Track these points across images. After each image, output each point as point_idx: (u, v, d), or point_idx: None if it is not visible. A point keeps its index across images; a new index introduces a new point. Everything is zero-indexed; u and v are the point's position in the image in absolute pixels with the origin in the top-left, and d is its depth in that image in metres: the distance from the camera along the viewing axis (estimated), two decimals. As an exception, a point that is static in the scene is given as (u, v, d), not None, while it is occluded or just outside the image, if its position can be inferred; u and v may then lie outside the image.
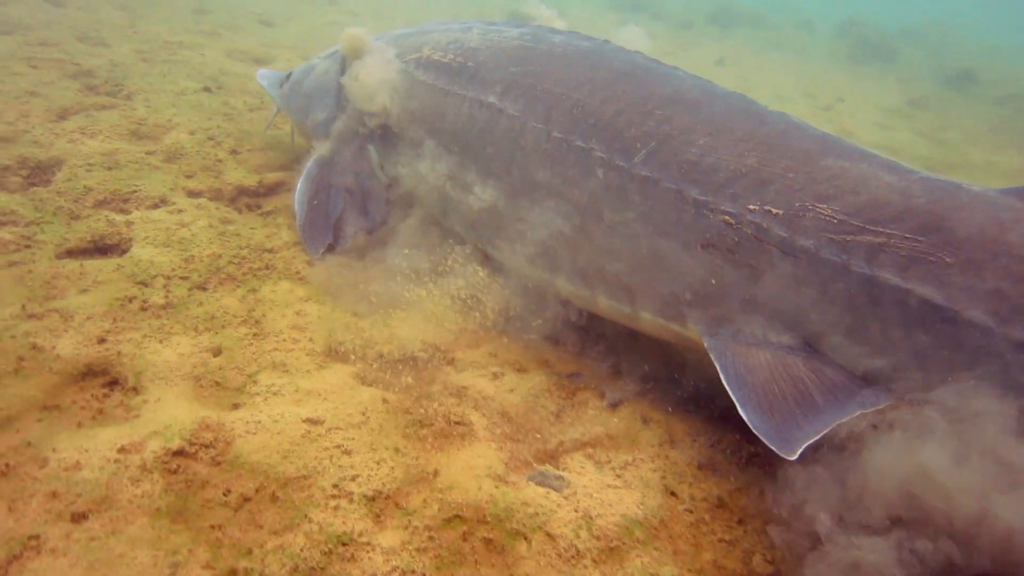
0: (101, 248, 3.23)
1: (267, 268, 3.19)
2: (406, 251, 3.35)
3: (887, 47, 17.63)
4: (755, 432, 2.12)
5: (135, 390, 2.38)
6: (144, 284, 2.90)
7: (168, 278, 2.98)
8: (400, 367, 2.76)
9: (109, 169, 3.91)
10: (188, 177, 4.08)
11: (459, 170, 3.14)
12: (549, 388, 2.78)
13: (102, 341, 2.53)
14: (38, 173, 3.89)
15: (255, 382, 2.51)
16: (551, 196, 2.79)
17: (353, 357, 2.76)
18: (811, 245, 2.27)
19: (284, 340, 2.74)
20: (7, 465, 1.97)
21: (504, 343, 3.00)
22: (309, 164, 3.63)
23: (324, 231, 3.31)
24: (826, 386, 2.19)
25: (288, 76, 4.34)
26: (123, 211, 3.59)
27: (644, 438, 2.58)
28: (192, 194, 3.92)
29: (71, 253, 3.13)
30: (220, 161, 4.32)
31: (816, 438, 2.07)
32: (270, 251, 3.33)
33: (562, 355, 3.01)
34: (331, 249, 3.33)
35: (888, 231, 2.18)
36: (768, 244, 2.33)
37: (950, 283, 2.07)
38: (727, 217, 2.40)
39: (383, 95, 3.35)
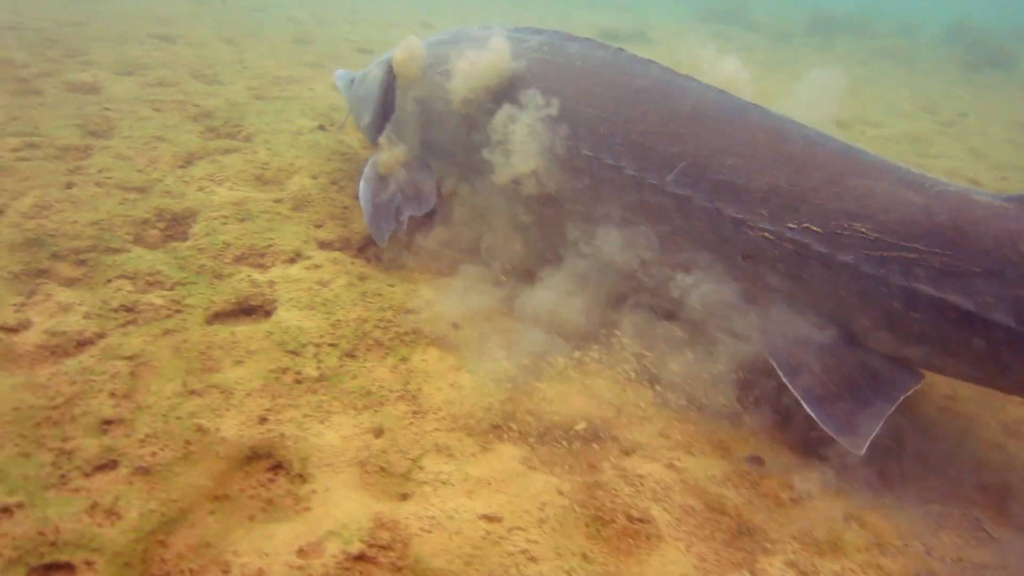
0: (246, 310, 3.20)
1: (413, 332, 3.09)
2: (555, 308, 3.20)
3: (1005, 52, 16.56)
4: (824, 428, 2.45)
5: (301, 477, 2.30)
6: (295, 353, 2.84)
7: (318, 346, 2.91)
8: (564, 448, 2.60)
9: (242, 220, 3.92)
10: (318, 227, 4.06)
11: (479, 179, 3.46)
12: (729, 476, 2.55)
13: (263, 421, 2.46)
14: (174, 225, 3.94)
15: (421, 467, 2.38)
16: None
17: (515, 435, 2.61)
18: (852, 260, 2.51)
19: (443, 418, 2.61)
20: (191, 572, 1.89)
21: (671, 418, 2.79)
22: (367, 168, 3.93)
23: (388, 222, 3.62)
24: (874, 378, 2.52)
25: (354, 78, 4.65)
26: (261, 266, 3.57)
27: (848, 541, 2.32)
28: (324, 245, 3.89)
29: (218, 316, 3.11)
30: (346, 208, 4.28)
31: (877, 431, 2.39)
32: (413, 312, 3.23)
33: (737, 433, 2.78)
34: (395, 233, 3.64)
35: (919, 247, 2.43)
36: (811, 260, 2.58)
37: (977, 291, 2.34)
38: (765, 234, 2.63)
39: (424, 103, 3.66)
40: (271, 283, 3.29)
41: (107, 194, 4.09)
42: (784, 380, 2.56)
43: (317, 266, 3.55)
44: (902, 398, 2.47)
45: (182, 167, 4.76)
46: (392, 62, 3.95)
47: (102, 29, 8.84)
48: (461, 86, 3.38)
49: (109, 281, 3.22)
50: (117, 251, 3.52)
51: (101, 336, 2.79)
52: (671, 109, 2.87)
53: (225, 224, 3.83)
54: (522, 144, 3.03)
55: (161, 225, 3.90)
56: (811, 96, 3.52)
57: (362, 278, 3.53)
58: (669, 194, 2.75)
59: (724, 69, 3.73)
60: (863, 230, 2.49)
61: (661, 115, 2.86)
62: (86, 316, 2.84)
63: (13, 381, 2.44)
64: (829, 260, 2.54)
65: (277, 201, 4.27)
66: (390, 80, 4.05)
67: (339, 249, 3.89)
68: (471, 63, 3.34)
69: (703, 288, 2.79)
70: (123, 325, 2.86)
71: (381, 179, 3.82)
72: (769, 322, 2.69)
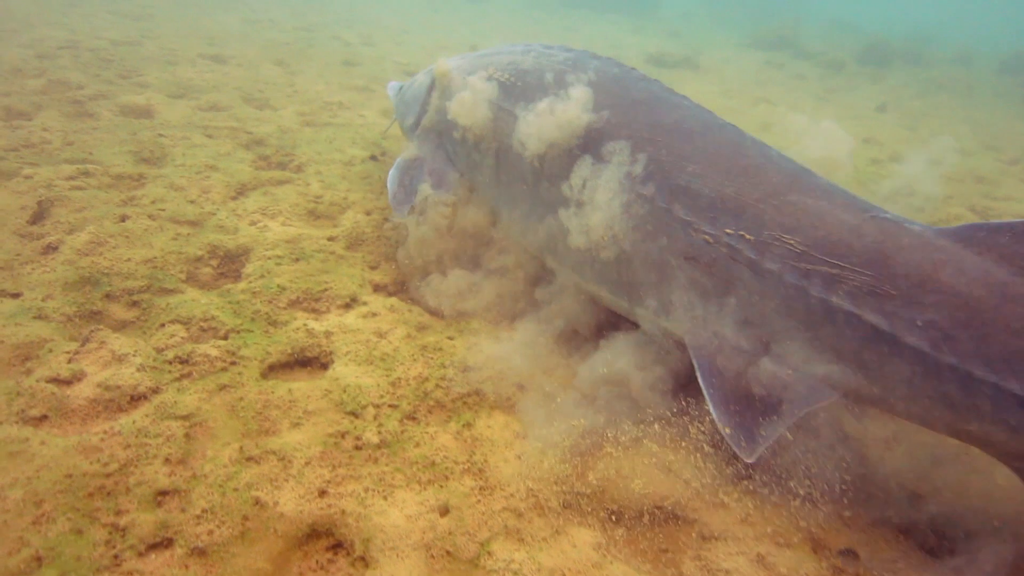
0: (302, 361, 3.09)
1: (476, 394, 2.94)
2: (624, 369, 3.03)
3: (1068, 85, 16.04)
4: (720, 430, 2.54)
5: (364, 561, 2.15)
6: (355, 415, 2.71)
7: (377, 407, 2.77)
8: (640, 533, 2.42)
9: (296, 261, 3.83)
10: (372, 268, 3.95)
11: (500, 171, 3.79)
12: (822, 574, 2.35)
13: (323, 494, 2.33)
14: (228, 263, 3.86)
15: (490, 553, 2.22)
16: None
17: (588, 516, 2.44)
18: (777, 269, 2.64)
19: (512, 496, 2.45)
20: (251, 678, 1.75)
21: (755, 504, 2.59)
22: (399, 158, 4.31)
23: (408, 200, 3.99)
24: (783, 388, 2.59)
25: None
26: (316, 311, 3.47)
27: (963, 661, 2.11)
28: (379, 288, 3.78)
29: (274, 369, 3.01)
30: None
31: (771, 441, 2.49)
32: (475, 369, 3.08)
33: (828, 522, 2.57)
34: (411, 210, 3.94)
35: (842, 264, 2.53)
36: (740, 264, 2.72)
37: (894, 312, 2.43)
38: (706, 236, 2.81)
39: (455, 107, 3.92)
40: (328, 334, 3.17)
41: (160, 228, 4.03)
42: (698, 377, 2.70)
43: (374, 314, 3.43)
44: (804, 412, 2.55)
45: (234, 198, 4.71)
46: (433, 70, 4.48)
47: (155, 49, 8.96)
48: (485, 94, 3.84)
49: (163, 326, 3.14)
50: (170, 292, 3.45)
51: (156, 391, 2.69)
52: (657, 120, 3.20)
53: (279, 264, 3.74)
54: (525, 135, 3.47)
55: (214, 263, 3.82)
56: (869, 132, 3.36)
57: (420, 328, 3.40)
58: (635, 193, 3.03)
59: (821, 136, 3.58)
60: (792, 242, 2.64)
61: (646, 123, 3.19)
62: (140, 368, 2.75)
63: (66, 443, 2.34)
64: (757, 267, 2.69)
65: (331, 239, 4.18)
66: (432, 87, 4.48)
67: (394, 294, 3.77)
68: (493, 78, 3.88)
69: (648, 282, 3.05)
70: (178, 379, 2.76)
71: (409, 167, 4.23)
72: (697, 322, 2.87)
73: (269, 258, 3.81)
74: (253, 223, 4.33)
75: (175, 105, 6.53)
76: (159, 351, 2.94)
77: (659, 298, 3.01)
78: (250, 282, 3.57)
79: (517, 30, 16.59)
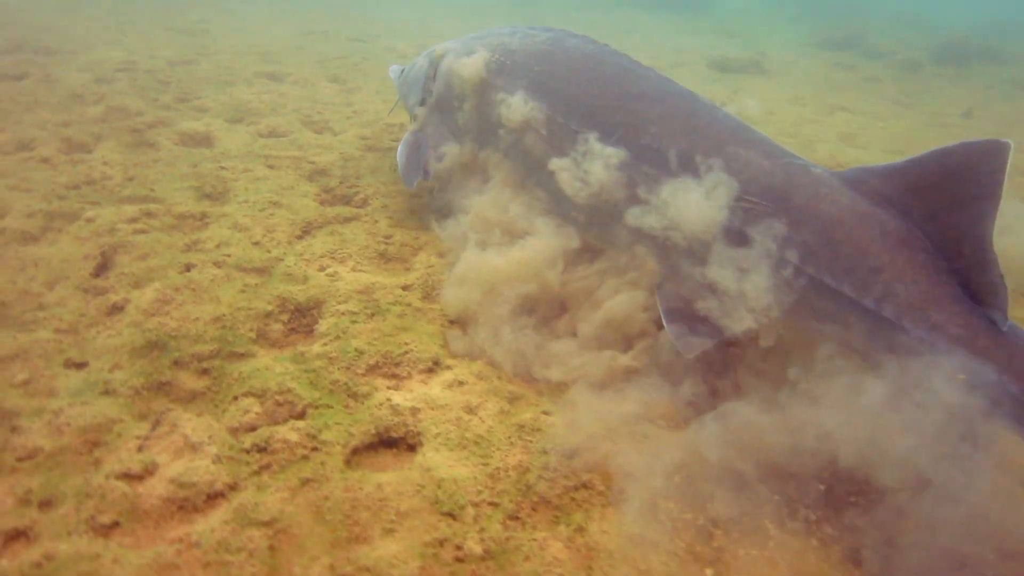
0: (387, 441, 2.83)
1: (585, 487, 2.63)
2: (755, 447, 2.70)
3: None
4: (671, 337, 3.09)
5: None
6: (453, 516, 2.43)
7: (477, 505, 2.49)
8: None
9: (372, 316, 3.58)
10: (452, 323, 3.68)
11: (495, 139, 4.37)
12: None
13: (427, 625, 2.05)
14: (299, 317, 3.63)
15: None
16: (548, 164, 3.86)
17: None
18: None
19: (640, 627, 2.14)
20: None
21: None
22: (406, 135, 4.96)
23: (416, 173, 4.57)
24: (715, 310, 3.11)
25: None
26: (396, 377, 3.21)
27: None
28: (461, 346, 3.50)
29: (358, 452, 2.75)
30: (481, 297, 3.89)
31: (705, 349, 3.04)
32: (579, 454, 2.77)
33: None
34: (424, 176, 4.59)
35: (754, 200, 3.08)
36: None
37: (783, 236, 2.95)
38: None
39: (453, 84, 4.59)
40: (414, 411, 2.90)
41: (227, 277, 3.83)
42: (657, 295, 3.33)
43: (460, 383, 3.16)
44: (729, 336, 3.08)
45: (300, 238, 4.50)
46: (433, 53, 5.03)
47: (211, 68, 8.89)
48: (470, 70, 4.44)
49: (236, 399, 2.91)
50: (241, 356, 3.23)
51: (233, 488, 2.45)
52: (625, 90, 3.76)
53: (354, 322, 3.49)
54: (507, 109, 4.11)
55: (284, 318, 3.60)
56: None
57: (513, 400, 3.11)
58: (608, 153, 3.57)
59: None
60: None
61: (616, 94, 3.75)
62: (216, 459, 2.51)
63: (140, 560, 2.11)
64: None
65: (405, 288, 3.92)
66: (432, 68, 4.99)
67: (478, 355, 3.49)
68: (475, 55, 4.49)
69: (627, 227, 3.54)
70: (257, 472, 2.52)
71: (415, 143, 4.81)
72: (662, 261, 3.46)
73: (343, 313, 3.57)
74: (322, 268, 4.11)
75: (234, 131, 6.38)
76: (234, 434, 2.71)
77: (628, 235, 3.59)
78: (325, 344, 3.33)
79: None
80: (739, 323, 3.03)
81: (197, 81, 8.08)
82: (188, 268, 3.91)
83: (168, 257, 3.99)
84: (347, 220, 4.77)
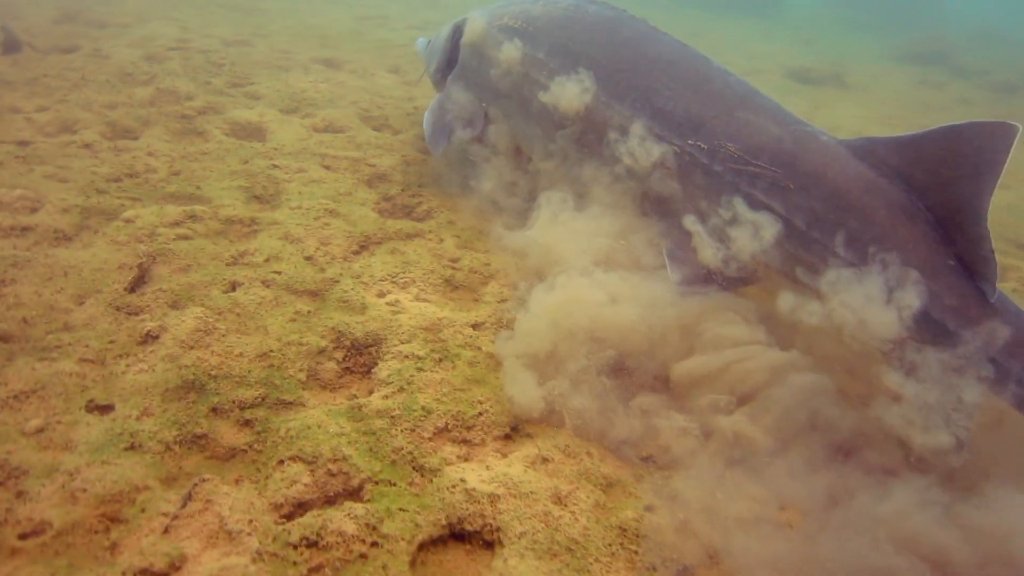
0: (458, 535, 2.36)
1: (707, 626, 2.13)
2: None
3: None
4: (672, 279, 3.36)
5: None
6: (545, 658, 1.94)
7: (574, 643, 2.00)
8: None
9: (439, 362, 3.11)
10: (528, 369, 3.19)
11: (516, 102, 4.50)
12: None
13: None
14: (355, 356, 3.19)
15: None
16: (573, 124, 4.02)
17: None
18: (721, 171, 3.36)
19: None
20: None
21: None
22: (432, 102, 5.04)
23: (442, 139, 4.72)
24: (720, 265, 3.31)
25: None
26: (468, 444, 2.74)
27: None
28: (543, 408, 3.01)
29: (424, 548, 2.28)
30: (562, 344, 3.40)
31: (702, 290, 3.30)
32: (691, 569, 2.27)
33: None
34: (449, 143, 4.73)
35: (763, 164, 3.24)
36: (696, 168, 3.47)
37: (790, 201, 3.14)
38: (675, 147, 3.54)
39: (477, 50, 4.72)
40: (492, 498, 2.42)
41: (276, 301, 3.40)
42: (663, 247, 3.51)
43: (545, 459, 2.67)
44: (736, 288, 3.35)
45: (358, 253, 4.07)
46: (461, 22, 5.07)
47: (266, 50, 8.52)
48: (498, 32, 4.59)
49: (281, 463, 2.47)
50: (290, 405, 2.79)
51: (276, 599, 2.00)
52: (641, 54, 3.86)
53: (420, 370, 3.03)
54: (523, 71, 4.36)
55: (339, 355, 3.15)
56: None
57: (608, 487, 2.62)
58: (627, 116, 3.72)
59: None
60: (732, 148, 3.30)
61: (632, 58, 3.86)
62: (256, 557, 2.06)
63: None
64: (707, 169, 3.39)
65: (476, 327, 3.45)
66: (457, 36, 5.08)
67: (561, 423, 3.00)
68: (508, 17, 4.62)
69: (641, 190, 3.74)
70: (305, 576, 2.06)
71: (441, 109, 4.90)
72: (666, 215, 3.62)
73: (406, 356, 3.11)
74: (382, 295, 3.66)
75: (288, 123, 5.97)
76: (279, 514, 2.27)
77: (637, 193, 3.78)
78: (386, 396, 2.87)
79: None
80: (742, 274, 3.31)
81: (251, 64, 7.70)
82: (233, 287, 3.49)
83: (212, 271, 3.58)
84: (409, 236, 4.31)
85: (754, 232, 3.18)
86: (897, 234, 2.85)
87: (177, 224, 3.99)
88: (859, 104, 11.22)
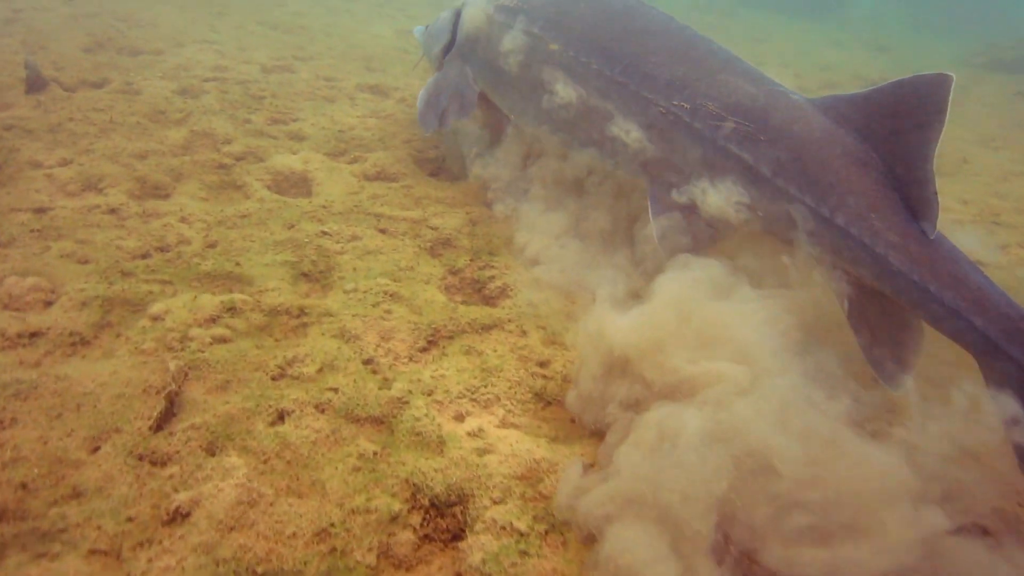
0: None
1: None
2: None
3: None
4: (655, 238, 3.76)
5: None
6: None
7: None
8: None
9: (545, 535, 2.45)
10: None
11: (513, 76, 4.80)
12: None
13: None
14: (434, 519, 2.55)
15: None
16: (565, 91, 4.35)
17: None
18: (701, 127, 3.72)
19: None
20: None
21: None
22: (428, 80, 5.38)
23: (434, 118, 5.09)
24: (700, 219, 3.71)
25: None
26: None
27: None
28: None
29: None
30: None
31: (688, 252, 3.57)
32: None
33: None
34: (441, 124, 5.07)
35: (738, 120, 3.59)
36: (680, 126, 3.81)
37: (759, 152, 3.50)
38: (661, 108, 3.89)
39: (475, 30, 5.06)
40: None
41: (333, 436, 2.78)
42: (648, 203, 3.95)
43: None
44: (715, 242, 3.72)
45: (426, 351, 3.46)
46: (461, 4, 5.36)
47: (309, 77, 7.97)
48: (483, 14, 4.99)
49: None
50: (358, 615, 2.14)
51: None
52: (629, 26, 4.23)
53: (524, 555, 2.36)
54: (519, 44, 4.66)
55: (416, 519, 2.51)
56: None
57: None
58: (618, 81, 4.09)
59: None
60: (711, 107, 3.70)
61: (622, 29, 4.22)
62: None
63: None
64: (689, 127, 3.78)
65: (585, 469, 2.77)
66: (456, 19, 5.36)
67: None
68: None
69: (630, 152, 4.10)
70: None
71: (436, 88, 5.23)
72: (652, 178, 4.02)
73: (502, 529, 2.45)
74: (460, 418, 3.03)
75: (337, 171, 5.38)
76: None
77: (625, 154, 4.13)
78: (482, 596, 2.21)
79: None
80: (720, 227, 3.67)
81: (293, 96, 7.14)
82: (281, 416, 2.88)
83: (255, 390, 2.97)
84: (485, 329, 3.66)
85: (728, 187, 3.62)
86: (850, 180, 3.19)
87: (213, 321, 3.40)
88: (951, 122, 10.26)
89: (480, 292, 4.12)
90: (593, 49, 4.23)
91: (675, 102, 3.81)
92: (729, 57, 3.96)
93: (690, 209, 3.72)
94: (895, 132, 3.08)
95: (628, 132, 4.03)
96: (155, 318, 3.36)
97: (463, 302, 3.96)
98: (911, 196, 3.05)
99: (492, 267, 4.27)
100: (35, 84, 6.13)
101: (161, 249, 4.04)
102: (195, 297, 3.54)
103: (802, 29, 19.00)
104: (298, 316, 3.58)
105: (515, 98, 4.82)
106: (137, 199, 4.60)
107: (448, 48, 5.45)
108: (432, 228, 4.62)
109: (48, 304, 3.43)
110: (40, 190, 4.52)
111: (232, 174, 5.13)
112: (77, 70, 6.87)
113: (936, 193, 2.97)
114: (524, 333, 3.66)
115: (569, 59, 4.33)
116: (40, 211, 4.26)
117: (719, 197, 3.62)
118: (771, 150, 3.44)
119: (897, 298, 3.05)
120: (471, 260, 4.32)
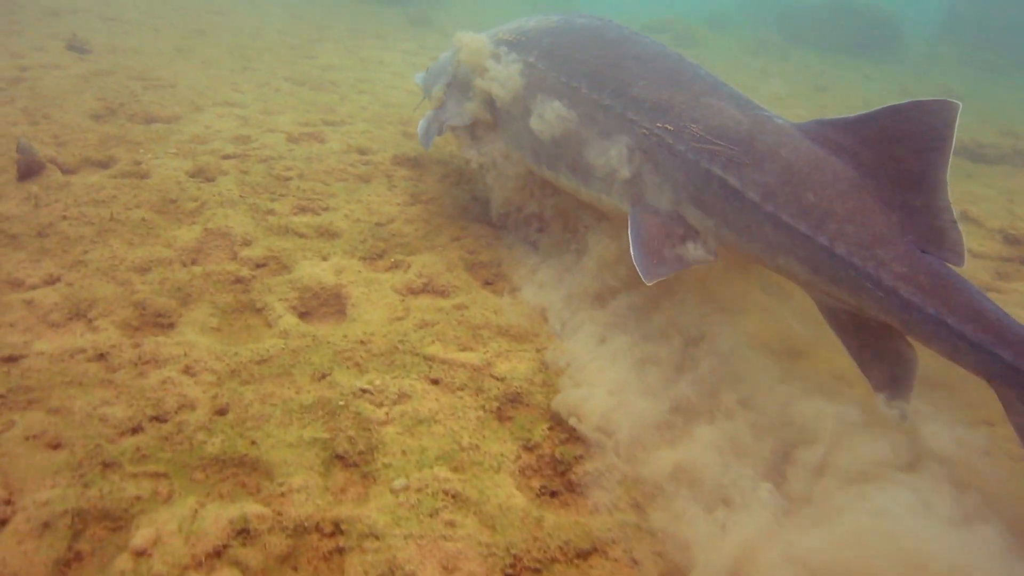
0: None
1: None
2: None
3: None
4: (635, 264, 3.58)
5: None
6: None
7: None
8: None
9: None
10: None
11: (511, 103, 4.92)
12: None
13: None
14: None
15: None
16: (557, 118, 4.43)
17: None
18: (684, 149, 3.71)
19: None
20: None
21: None
22: (428, 112, 5.77)
23: (432, 136, 5.41)
24: (680, 242, 3.70)
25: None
26: None
27: None
28: None
29: None
30: None
31: (666, 277, 3.55)
32: None
33: None
34: (439, 132, 5.38)
35: (722, 144, 3.56)
36: (663, 148, 3.83)
37: (745, 176, 3.44)
38: (644, 130, 3.94)
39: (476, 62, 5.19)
40: None
41: None
42: (629, 230, 3.78)
43: None
44: (693, 265, 3.65)
45: (500, 592, 2.54)
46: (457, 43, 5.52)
47: (340, 148, 7.19)
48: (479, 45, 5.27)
49: None
50: None
51: None
52: (621, 53, 4.36)
53: None
54: (515, 72, 4.85)
55: None
56: None
57: None
58: (603, 105, 4.19)
59: None
60: (696, 129, 3.70)
61: (613, 56, 4.36)
62: None
63: None
64: (672, 149, 3.78)
65: None
66: (455, 56, 5.55)
67: None
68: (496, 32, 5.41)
69: (614, 174, 4.12)
70: None
71: (435, 117, 5.57)
72: (637, 198, 4.02)
73: None
74: None
75: (376, 284, 4.56)
76: None
77: (609, 178, 4.16)
78: None
79: (747, 85, 14.03)
80: (702, 253, 3.66)
81: (323, 175, 6.36)
82: None
83: None
84: (582, 556, 2.77)
85: (717, 212, 3.60)
86: (847, 207, 3.13)
87: (218, 555, 2.55)
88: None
89: (564, 477, 3.23)
90: (583, 75, 4.40)
91: (658, 124, 3.90)
92: (715, 83, 4.04)
93: (672, 233, 3.74)
94: (895, 158, 3.04)
95: (612, 153, 4.12)
96: (139, 552, 2.51)
97: (545, 497, 3.08)
98: (923, 225, 2.98)
99: (578, 438, 3.39)
100: (29, 169, 5.43)
101: (157, 419, 3.22)
102: (196, 512, 2.70)
103: (862, 74, 18.10)
104: (331, 535, 2.72)
105: (513, 127, 4.95)
106: (133, 334, 3.80)
107: (449, 83, 5.74)
108: (497, 379, 3.74)
109: (2, 523, 2.60)
110: (15, 324, 3.73)
111: (251, 292, 4.33)
112: (81, 145, 6.17)
113: (955, 221, 2.91)
114: (635, 563, 2.75)
115: (560, 84, 4.51)
116: (11, 360, 3.46)
117: (702, 222, 3.70)
118: (757, 174, 3.41)
119: (907, 331, 3.00)
120: (550, 429, 3.44)
